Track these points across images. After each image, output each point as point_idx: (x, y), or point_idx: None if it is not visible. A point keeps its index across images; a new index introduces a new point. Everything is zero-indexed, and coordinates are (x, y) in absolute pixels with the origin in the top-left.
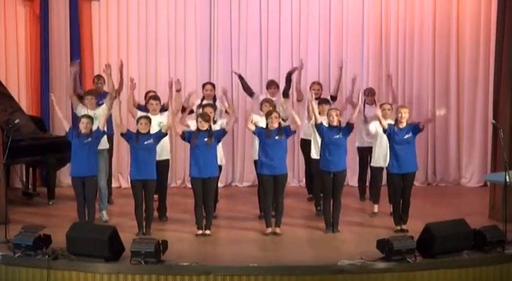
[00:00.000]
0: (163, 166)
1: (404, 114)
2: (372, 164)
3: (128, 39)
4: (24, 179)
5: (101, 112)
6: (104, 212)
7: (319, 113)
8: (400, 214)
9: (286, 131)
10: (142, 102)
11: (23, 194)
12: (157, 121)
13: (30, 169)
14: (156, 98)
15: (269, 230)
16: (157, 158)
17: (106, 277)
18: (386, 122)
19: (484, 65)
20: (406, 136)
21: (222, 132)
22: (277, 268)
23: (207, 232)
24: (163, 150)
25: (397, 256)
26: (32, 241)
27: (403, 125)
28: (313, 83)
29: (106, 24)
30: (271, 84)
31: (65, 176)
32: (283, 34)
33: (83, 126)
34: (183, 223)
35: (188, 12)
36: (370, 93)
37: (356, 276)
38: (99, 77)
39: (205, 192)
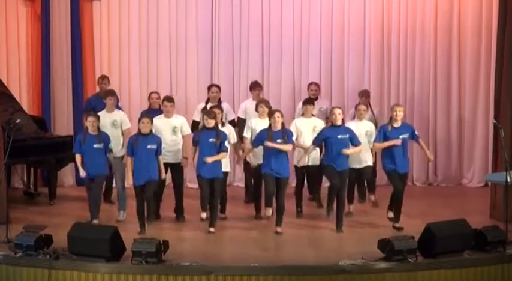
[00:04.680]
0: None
1: (400, 112)
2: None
3: (129, 39)
4: (25, 179)
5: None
6: (122, 212)
7: (303, 115)
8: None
9: (289, 137)
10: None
11: (24, 194)
12: (172, 126)
13: (32, 169)
14: (170, 100)
15: (269, 211)
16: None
17: (107, 277)
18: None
19: (486, 65)
20: (402, 136)
21: (224, 144)
22: (278, 268)
23: (211, 229)
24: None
25: (398, 256)
26: (33, 240)
27: (398, 124)
28: (311, 83)
29: (107, 24)
30: (256, 86)
31: (66, 176)
32: (284, 33)
33: (89, 124)
34: (184, 222)
35: (189, 12)
36: (364, 95)
37: (357, 276)
38: (103, 77)
39: (212, 191)
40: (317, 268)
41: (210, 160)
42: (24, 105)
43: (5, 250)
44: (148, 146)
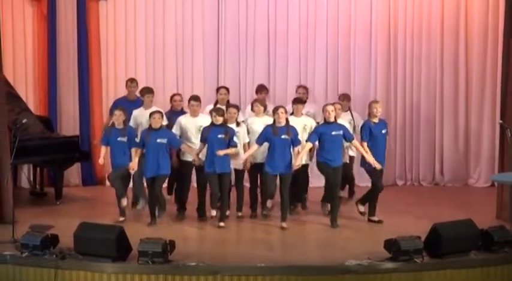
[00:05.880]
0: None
1: (379, 109)
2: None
3: (135, 40)
4: (31, 179)
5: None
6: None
7: (293, 114)
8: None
9: (295, 136)
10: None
11: (30, 194)
12: (198, 125)
13: (38, 169)
14: (196, 99)
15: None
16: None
17: (113, 277)
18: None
19: (492, 65)
20: (383, 131)
21: (233, 139)
22: (285, 268)
23: (221, 224)
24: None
25: (404, 256)
26: (40, 240)
27: (377, 120)
28: (299, 86)
29: (113, 24)
30: (262, 89)
31: (72, 176)
32: (290, 36)
33: (115, 118)
34: (190, 222)
35: (196, 13)
36: (345, 98)
37: (363, 276)
38: (132, 80)
39: (220, 186)
40: (323, 268)
41: (221, 152)
42: (31, 105)
43: (11, 249)
44: (158, 140)
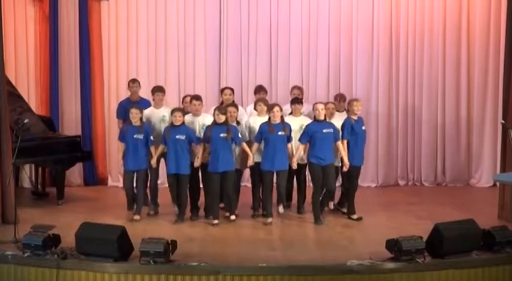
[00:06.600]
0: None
1: (360, 107)
2: None
3: (137, 39)
4: (33, 179)
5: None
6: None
7: (291, 113)
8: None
9: (289, 132)
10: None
11: (32, 194)
12: (201, 124)
13: (40, 169)
14: (198, 98)
15: (270, 220)
16: (205, 159)
17: (115, 277)
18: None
19: (494, 65)
20: (363, 128)
21: (237, 136)
22: (286, 268)
23: (232, 217)
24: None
25: (406, 256)
26: (41, 240)
27: (356, 117)
28: (294, 87)
29: (115, 23)
30: (260, 90)
31: (74, 176)
32: (293, 36)
33: (132, 116)
34: (192, 222)
35: (197, 12)
36: (341, 99)
37: (365, 276)
38: (134, 80)
39: (223, 185)
40: (325, 268)
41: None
42: (33, 105)
43: (13, 249)
44: (177, 137)
